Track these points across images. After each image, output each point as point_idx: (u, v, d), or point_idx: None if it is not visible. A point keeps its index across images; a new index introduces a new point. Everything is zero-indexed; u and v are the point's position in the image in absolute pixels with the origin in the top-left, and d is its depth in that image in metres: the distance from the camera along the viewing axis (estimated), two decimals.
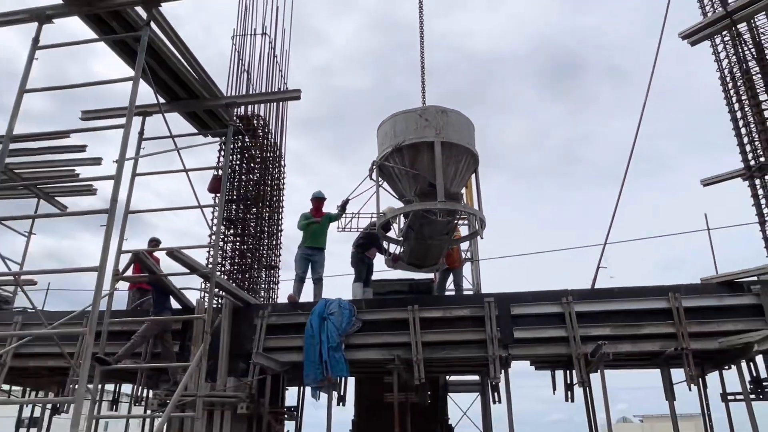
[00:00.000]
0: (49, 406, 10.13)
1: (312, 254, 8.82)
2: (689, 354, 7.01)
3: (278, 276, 10.32)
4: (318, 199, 9.11)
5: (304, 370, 7.64)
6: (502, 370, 7.49)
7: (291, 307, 8.30)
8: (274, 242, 10.34)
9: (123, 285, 7.85)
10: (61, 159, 11.04)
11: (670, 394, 7.81)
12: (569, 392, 8.36)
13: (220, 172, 8.41)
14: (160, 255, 8.72)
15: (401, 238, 8.68)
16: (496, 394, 7.90)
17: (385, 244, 9.06)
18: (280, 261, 10.33)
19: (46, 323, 6.27)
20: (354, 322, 7.80)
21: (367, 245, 8.91)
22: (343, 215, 9.01)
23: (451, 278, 9.49)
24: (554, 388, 8.55)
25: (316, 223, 8.80)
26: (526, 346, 7.52)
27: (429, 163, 7.73)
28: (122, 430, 11.63)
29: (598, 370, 7.05)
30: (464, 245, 10.76)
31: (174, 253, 6.98)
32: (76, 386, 5.61)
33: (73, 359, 7.83)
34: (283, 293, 10.11)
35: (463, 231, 10.41)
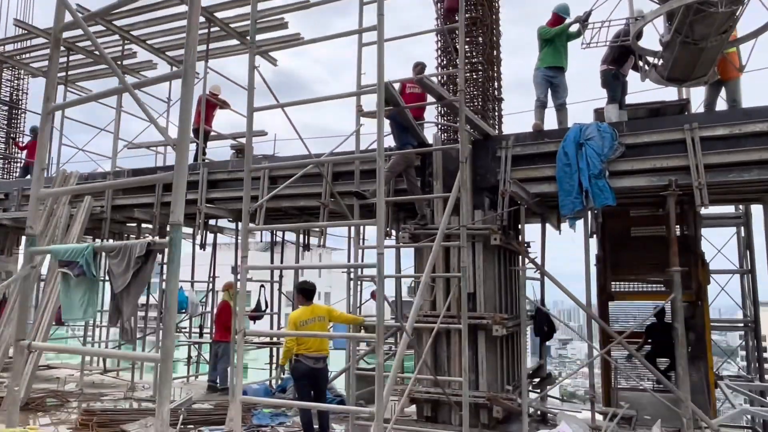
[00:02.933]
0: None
1: (553, 76, 7.86)
2: None
3: (500, 109, 9.56)
4: (560, 14, 7.93)
5: (560, 201, 7.12)
6: None
7: (536, 135, 7.63)
8: (494, 73, 9.47)
9: None
10: (267, 8, 10.99)
11: None
12: None
13: None
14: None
15: (660, 48, 7.32)
16: None
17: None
18: (501, 93, 9.50)
19: (313, 154, 6.35)
20: (617, 146, 6.94)
21: (621, 59, 7.67)
22: (586, 29, 7.76)
23: (722, 93, 7.96)
24: None
25: (566, 30, 7.75)
26: None
27: None
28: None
29: None
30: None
31: (423, 81, 6.54)
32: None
33: (321, 198, 8.16)
34: (507, 128, 9.38)
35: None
